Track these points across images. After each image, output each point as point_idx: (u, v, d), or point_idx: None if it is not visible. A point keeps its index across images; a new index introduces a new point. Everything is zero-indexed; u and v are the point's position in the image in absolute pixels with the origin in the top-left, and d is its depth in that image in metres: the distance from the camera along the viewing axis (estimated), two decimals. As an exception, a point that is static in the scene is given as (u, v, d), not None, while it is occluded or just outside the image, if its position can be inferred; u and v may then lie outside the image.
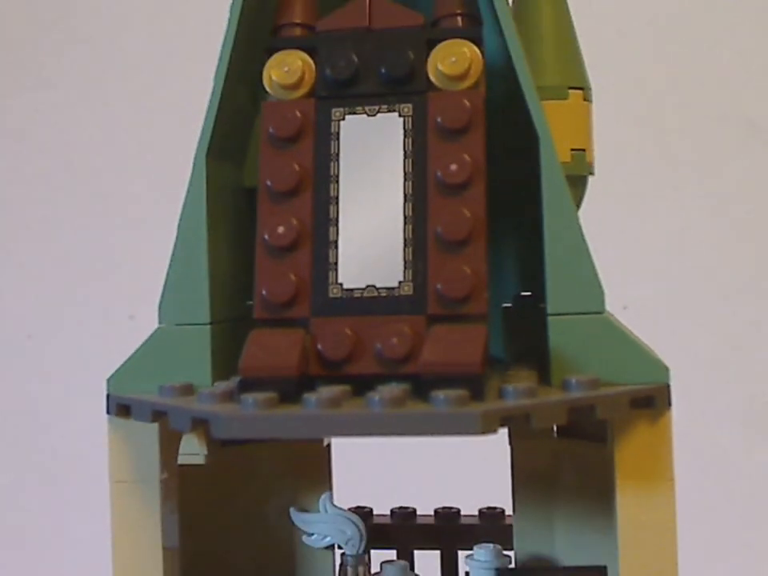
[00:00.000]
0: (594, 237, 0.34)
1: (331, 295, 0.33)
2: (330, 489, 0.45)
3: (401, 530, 0.46)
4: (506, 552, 0.43)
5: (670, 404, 0.33)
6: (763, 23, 0.80)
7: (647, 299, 0.63)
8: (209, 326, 0.35)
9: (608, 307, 0.34)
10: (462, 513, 0.46)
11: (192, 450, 0.38)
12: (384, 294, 0.33)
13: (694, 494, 0.38)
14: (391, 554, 0.45)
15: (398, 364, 0.31)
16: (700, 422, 0.74)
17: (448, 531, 0.46)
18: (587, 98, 0.41)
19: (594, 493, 0.40)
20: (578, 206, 0.40)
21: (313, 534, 0.44)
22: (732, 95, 0.80)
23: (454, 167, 0.33)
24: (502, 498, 0.44)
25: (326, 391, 0.30)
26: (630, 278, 0.51)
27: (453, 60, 0.34)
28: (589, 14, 0.42)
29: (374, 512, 0.46)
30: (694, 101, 0.80)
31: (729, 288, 0.79)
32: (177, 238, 0.36)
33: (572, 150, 0.39)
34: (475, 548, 0.43)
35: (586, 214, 0.37)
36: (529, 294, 0.42)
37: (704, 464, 0.75)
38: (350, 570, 0.44)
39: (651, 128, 0.79)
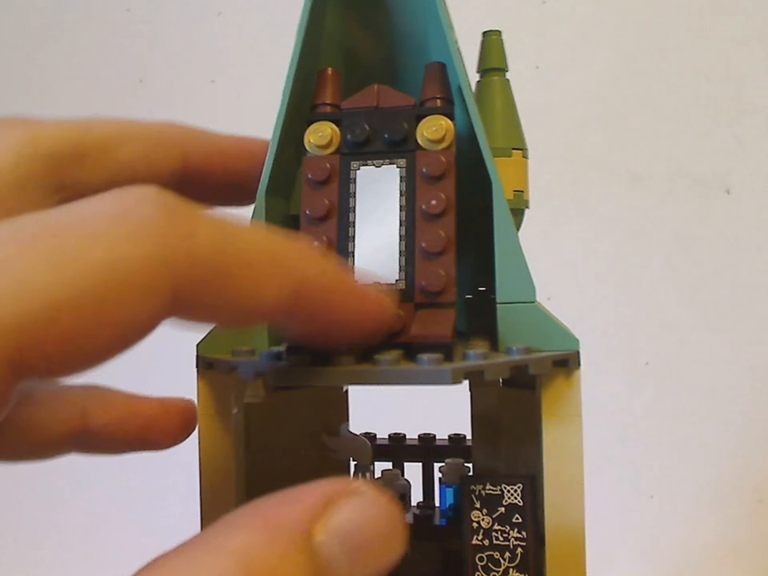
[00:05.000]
0: (528, 249, 0.34)
1: (350, 289, 0.33)
2: (348, 420, 0.45)
3: (395, 449, 0.46)
4: (466, 464, 0.43)
5: (579, 364, 0.33)
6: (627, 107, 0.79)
7: (565, 293, 0.63)
8: (266, 309, 0.35)
9: (538, 298, 0.34)
10: (437, 437, 0.46)
11: (254, 393, 0.38)
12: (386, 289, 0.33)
13: (593, 425, 0.38)
14: (388, 465, 0.45)
15: (396, 336, 0.31)
16: (598, 377, 0.74)
17: (427, 450, 0.46)
18: (525, 156, 0.40)
19: (527, 424, 0.40)
20: (518, 228, 0.39)
21: (336, 451, 0.44)
22: (619, 152, 0.80)
23: (434, 202, 0.33)
24: (464, 428, 0.44)
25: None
26: (553, 279, 0.51)
27: (434, 129, 0.34)
28: (523, 100, 0.41)
29: (377, 436, 0.46)
30: (593, 157, 0.80)
31: (617, 286, 0.79)
32: (245, 249, 0.36)
33: (514, 191, 0.39)
34: (446, 461, 0.43)
35: (523, 234, 0.37)
36: (484, 289, 0.41)
37: (600, 405, 0.75)
38: (360, 476, 0.44)
39: (564, 177, 0.79)
